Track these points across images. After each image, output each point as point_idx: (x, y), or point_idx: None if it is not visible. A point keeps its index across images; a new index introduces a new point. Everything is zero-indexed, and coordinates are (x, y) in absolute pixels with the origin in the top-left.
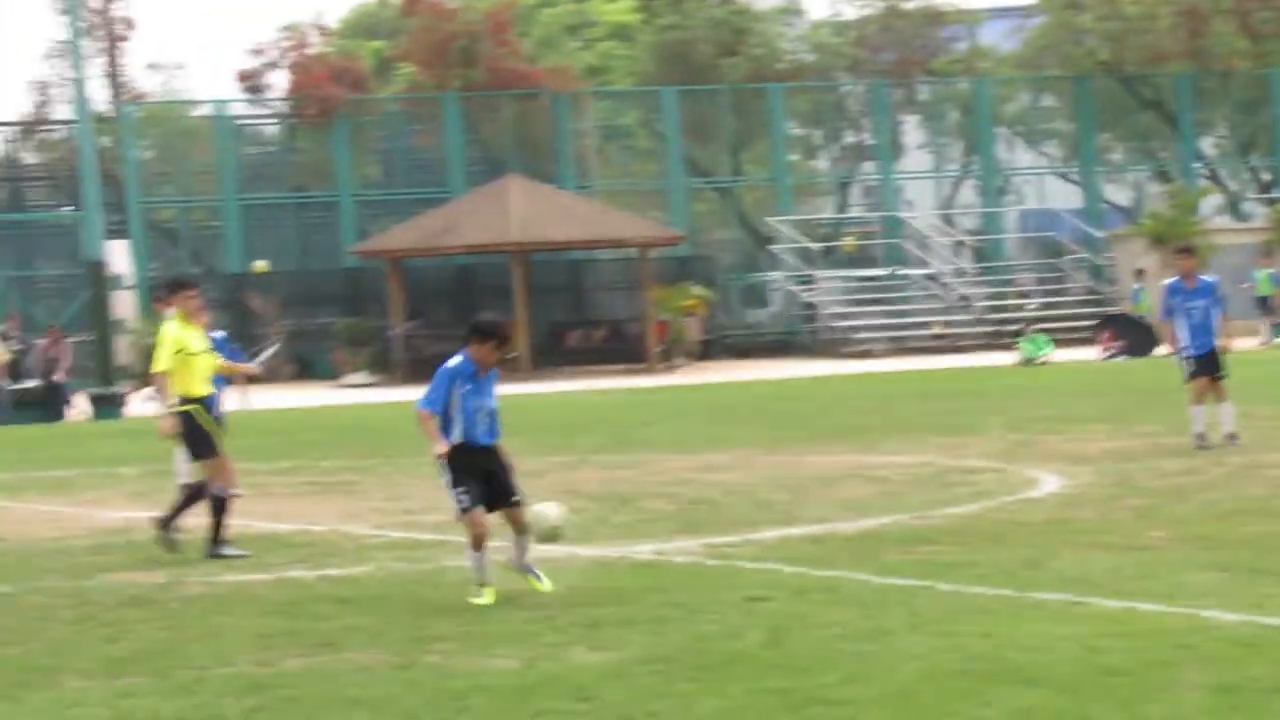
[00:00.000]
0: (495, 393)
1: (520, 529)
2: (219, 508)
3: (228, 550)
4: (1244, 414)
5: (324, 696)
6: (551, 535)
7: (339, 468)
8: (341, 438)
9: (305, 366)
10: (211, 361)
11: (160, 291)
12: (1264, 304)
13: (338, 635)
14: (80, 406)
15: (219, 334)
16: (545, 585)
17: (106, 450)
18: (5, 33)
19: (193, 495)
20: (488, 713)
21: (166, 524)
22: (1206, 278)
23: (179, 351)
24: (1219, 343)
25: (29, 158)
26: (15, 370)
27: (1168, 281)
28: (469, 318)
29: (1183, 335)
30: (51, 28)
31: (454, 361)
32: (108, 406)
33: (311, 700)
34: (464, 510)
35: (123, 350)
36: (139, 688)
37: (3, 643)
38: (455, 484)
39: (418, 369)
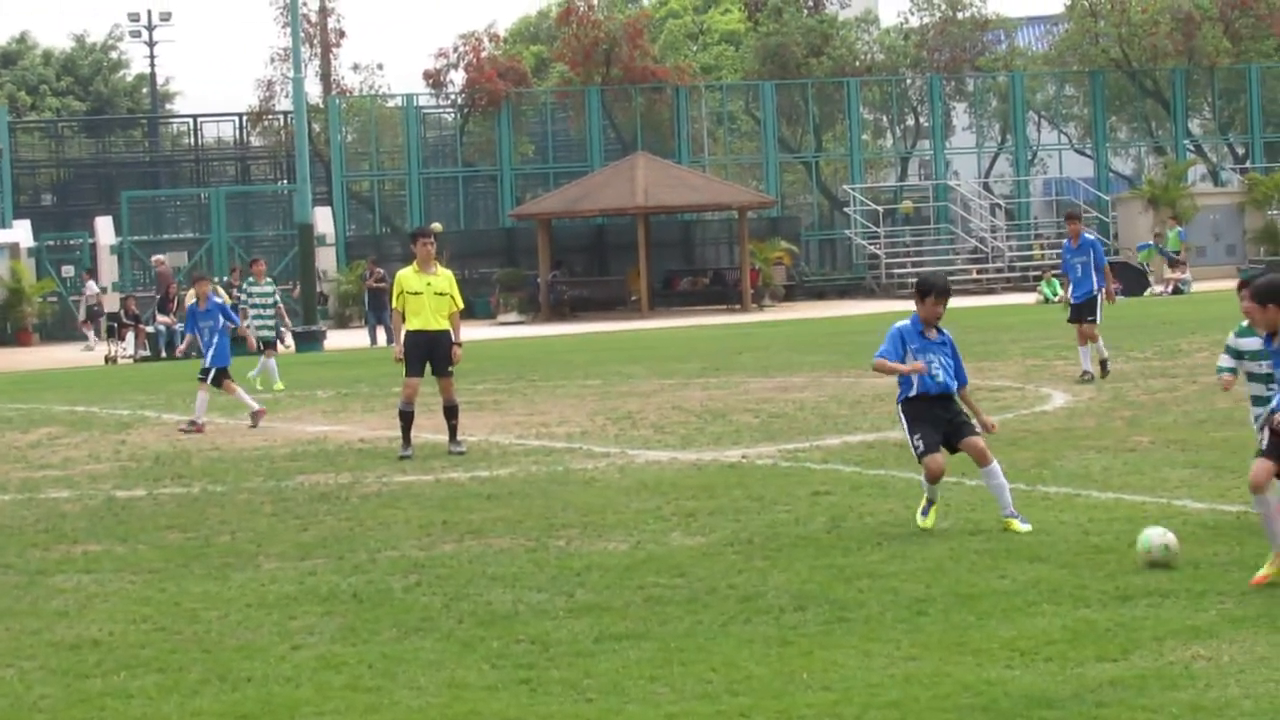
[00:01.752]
0: (950, 346)
1: (981, 460)
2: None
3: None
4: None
5: (470, 574)
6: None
7: (490, 389)
8: (494, 365)
9: (468, 307)
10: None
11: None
12: (1174, 258)
13: (483, 525)
14: (287, 342)
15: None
16: (1022, 527)
17: (307, 377)
18: (239, 41)
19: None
20: (601, 585)
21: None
22: (1088, 237)
23: (402, 293)
24: (1101, 291)
25: (255, 141)
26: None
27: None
28: (602, 268)
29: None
30: (275, 37)
31: (902, 322)
32: (309, 341)
33: (460, 577)
34: (919, 456)
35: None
36: (322, 567)
37: (215, 532)
38: (911, 431)
39: (558, 310)
